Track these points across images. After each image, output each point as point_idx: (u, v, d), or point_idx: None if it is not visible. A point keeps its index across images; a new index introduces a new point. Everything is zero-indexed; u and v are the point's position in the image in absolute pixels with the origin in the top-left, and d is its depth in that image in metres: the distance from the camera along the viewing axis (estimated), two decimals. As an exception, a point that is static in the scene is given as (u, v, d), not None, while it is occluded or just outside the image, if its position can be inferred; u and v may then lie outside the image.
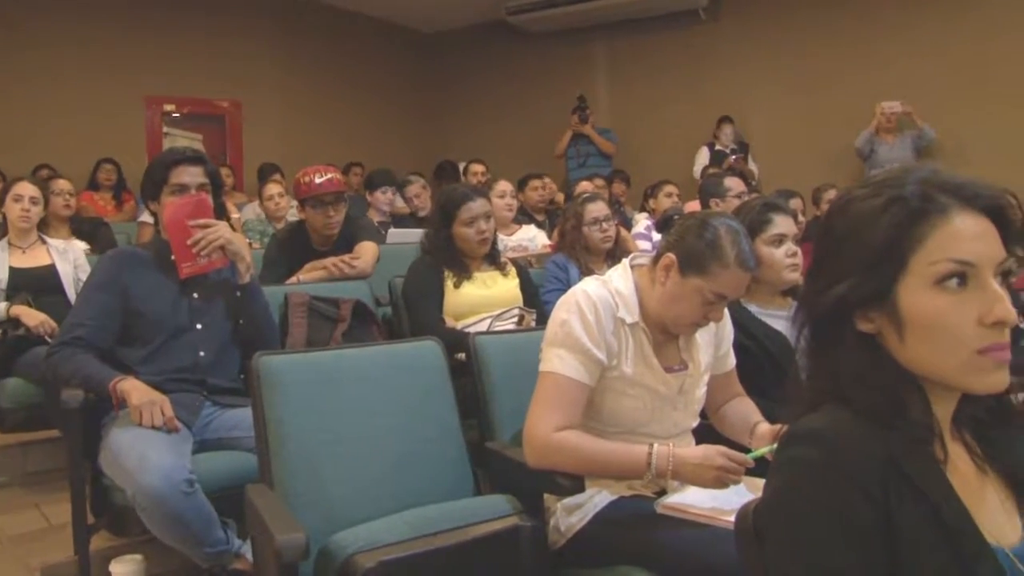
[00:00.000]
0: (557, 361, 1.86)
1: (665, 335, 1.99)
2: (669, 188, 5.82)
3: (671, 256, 1.89)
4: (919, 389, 1.00)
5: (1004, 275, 0.98)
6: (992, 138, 6.65)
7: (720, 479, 1.76)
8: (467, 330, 2.85)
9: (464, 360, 2.33)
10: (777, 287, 2.48)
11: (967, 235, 0.96)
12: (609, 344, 1.89)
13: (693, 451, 1.83)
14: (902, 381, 1.00)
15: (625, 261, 2.05)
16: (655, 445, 1.81)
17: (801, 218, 4.57)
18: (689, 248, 1.87)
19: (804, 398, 1.05)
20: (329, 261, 3.47)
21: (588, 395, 1.89)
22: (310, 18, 9.08)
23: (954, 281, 0.95)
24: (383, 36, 9.83)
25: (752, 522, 1.10)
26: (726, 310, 2.01)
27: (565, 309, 1.91)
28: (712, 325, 2.01)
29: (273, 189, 5.80)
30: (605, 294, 1.92)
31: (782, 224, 2.45)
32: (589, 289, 1.93)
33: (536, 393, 1.89)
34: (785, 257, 2.44)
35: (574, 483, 1.83)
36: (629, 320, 1.92)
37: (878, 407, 0.98)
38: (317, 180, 3.53)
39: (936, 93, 7.01)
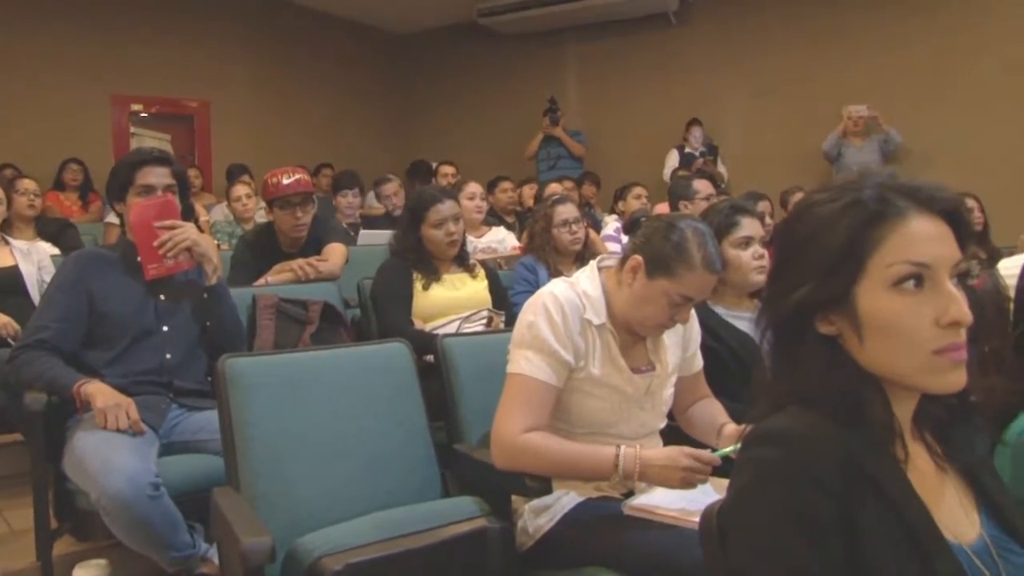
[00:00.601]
0: (524, 363, 1.86)
1: (632, 336, 1.99)
2: (638, 190, 5.83)
3: (638, 258, 1.90)
4: (880, 390, 1.01)
5: (961, 276, 1.00)
6: (957, 142, 6.76)
7: (686, 480, 1.77)
8: (436, 332, 2.85)
9: (432, 362, 2.33)
10: (744, 289, 2.50)
11: (923, 237, 0.97)
12: (576, 345, 1.89)
13: (658, 452, 1.83)
14: (863, 382, 1.01)
15: (593, 263, 2.06)
16: (622, 447, 1.81)
17: (769, 221, 4.59)
18: (656, 250, 1.88)
19: (768, 399, 1.06)
20: (297, 263, 3.44)
21: (555, 396, 1.89)
22: (280, 18, 9.02)
23: (911, 283, 0.97)
24: (354, 37, 9.79)
25: (716, 522, 1.11)
26: (693, 312, 2.02)
27: (532, 311, 1.91)
28: (680, 327, 2.02)
29: (241, 190, 5.75)
30: (572, 296, 1.92)
31: (749, 226, 2.47)
32: (556, 291, 1.93)
33: (504, 394, 1.89)
34: (752, 259, 2.46)
35: (542, 484, 1.83)
36: (596, 321, 1.92)
37: (839, 408, 0.99)
38: (285, 181, 3.51)
39: (903, 97, 7.11)
